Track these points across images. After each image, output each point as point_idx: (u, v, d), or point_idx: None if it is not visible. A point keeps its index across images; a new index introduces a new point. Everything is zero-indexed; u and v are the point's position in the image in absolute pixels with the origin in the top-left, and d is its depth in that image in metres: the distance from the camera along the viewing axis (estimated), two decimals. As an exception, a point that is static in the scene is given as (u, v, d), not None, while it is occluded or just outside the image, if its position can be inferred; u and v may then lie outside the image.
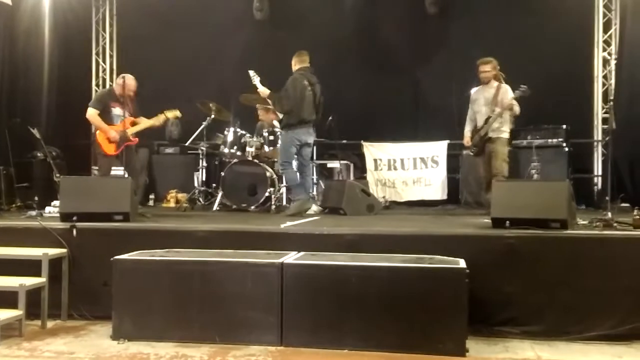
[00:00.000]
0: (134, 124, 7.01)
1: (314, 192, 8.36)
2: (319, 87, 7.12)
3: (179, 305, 4.41)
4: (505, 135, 7.17)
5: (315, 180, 8.53)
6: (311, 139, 7.16)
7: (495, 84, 7.15)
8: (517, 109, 7.00)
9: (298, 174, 7.15)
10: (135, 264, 4.57)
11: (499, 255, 4.63)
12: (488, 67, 7.11)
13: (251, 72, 7.18)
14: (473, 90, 7.31)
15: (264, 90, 7.15)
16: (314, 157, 8.77)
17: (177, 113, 7.21)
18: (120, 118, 6.89)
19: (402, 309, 4.18)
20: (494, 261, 4.62)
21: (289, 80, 6.98)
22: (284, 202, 7.95)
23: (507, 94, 7.07)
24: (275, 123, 8.08)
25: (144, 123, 7.01)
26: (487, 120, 7.08)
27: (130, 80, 7.09)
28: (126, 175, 6.36)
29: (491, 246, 4.68)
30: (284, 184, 7.80)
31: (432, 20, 9.49)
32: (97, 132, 6.89)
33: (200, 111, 8.38)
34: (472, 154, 7.46)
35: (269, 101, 7.34)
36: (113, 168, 6.52)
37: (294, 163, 7.15)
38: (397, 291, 4.19)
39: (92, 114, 6.85)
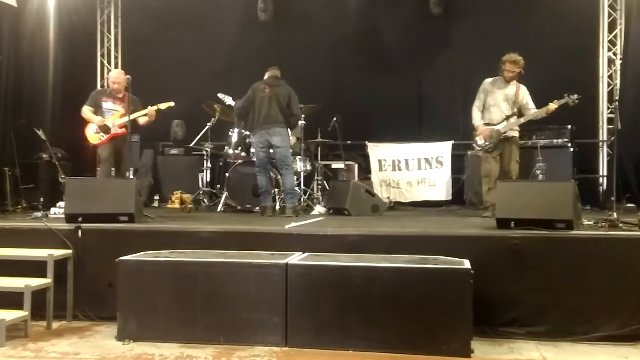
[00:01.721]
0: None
1: (318, 194, 8.37)
2: (286, 88, 7.08)
3: (183, 306, 4.42)
4: (518, 134, 7.12)
5: (319, 182, 8.54)
6: (276, 140, 6.98)
7: (514, 82, 6.98)
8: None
9: (266, 180, 7.13)
10: (140, 265, 4.58)
11: (504, 256, 4.63)
12: (517, 68, 6.88)
13: (220, 95, 7.18)
14: (488, 81, 7.04)
15: None
16: (319, 158, 8.79)
17: (171, 104, 7.13)
18: (112, 112, 6.91)
19: (407, 310, 4.17)
20: (499, 262, 4.62)
21: None
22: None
23: (528, 95, 6.98)
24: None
25: (133, 115, 6.81)
26: (508, 118, 6.95)
27: (117, 74, 7.12)
28: (113, 169, 6.50)
29: (496, 247, 4.68)
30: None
31: (436, 20, 9.47)
32: (86, 127, 6.91)
33: (205, 112, 8.40)
34: (483, 149, 7.00)
35: None
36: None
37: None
38: (402, 292, 4.19)
39: (84, 110, 6.93)
